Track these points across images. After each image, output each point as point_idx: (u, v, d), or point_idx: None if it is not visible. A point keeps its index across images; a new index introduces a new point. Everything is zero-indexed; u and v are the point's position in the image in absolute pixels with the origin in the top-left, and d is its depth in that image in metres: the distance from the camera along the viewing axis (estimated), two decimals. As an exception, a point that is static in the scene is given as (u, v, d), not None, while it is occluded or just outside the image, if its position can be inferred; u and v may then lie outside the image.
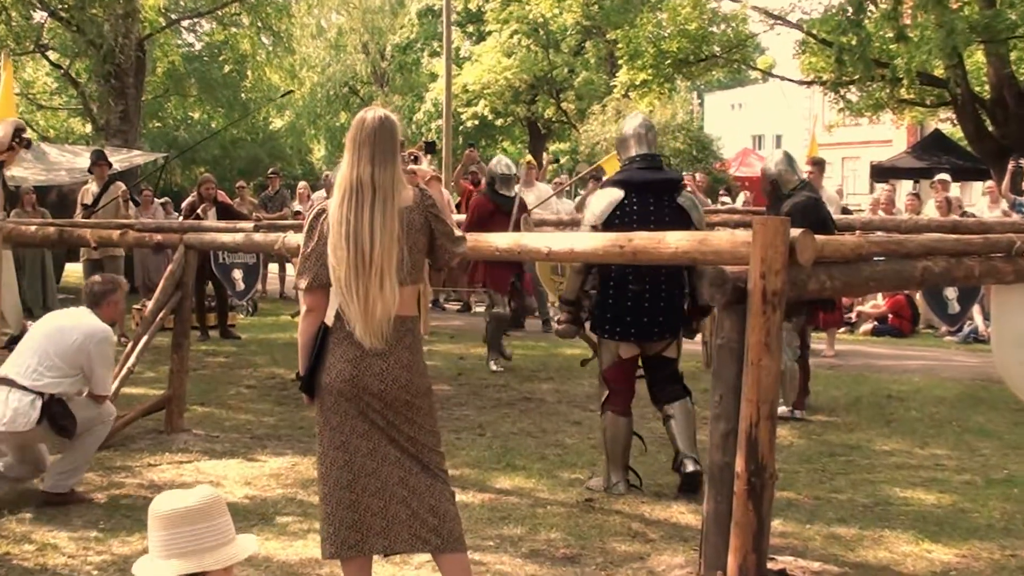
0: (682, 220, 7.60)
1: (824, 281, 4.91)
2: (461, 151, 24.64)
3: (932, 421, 10.32)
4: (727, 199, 21.76)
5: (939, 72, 23.66)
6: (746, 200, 21.37)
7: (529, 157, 18.83)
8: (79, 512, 7.22)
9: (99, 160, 15.57)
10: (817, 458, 8.83)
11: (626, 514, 7.29)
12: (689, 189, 18.94)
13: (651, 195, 7.67)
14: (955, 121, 27.41)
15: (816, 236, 4.73)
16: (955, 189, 32.18)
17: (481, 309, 20.49)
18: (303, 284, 4.95)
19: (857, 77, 24.04)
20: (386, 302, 4.75)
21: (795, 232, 4.60)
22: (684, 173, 23.06)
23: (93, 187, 15.44)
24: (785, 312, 9.60)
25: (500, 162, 13.38)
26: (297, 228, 10.05)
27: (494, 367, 12.97)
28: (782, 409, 9.59)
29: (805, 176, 10.21)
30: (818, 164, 16.04)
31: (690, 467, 7.82)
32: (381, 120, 4.87)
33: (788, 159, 10.28)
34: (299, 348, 4.99)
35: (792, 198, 10.00)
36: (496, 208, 12.83)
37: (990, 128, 24.43)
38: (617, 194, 7.65)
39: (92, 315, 7.60)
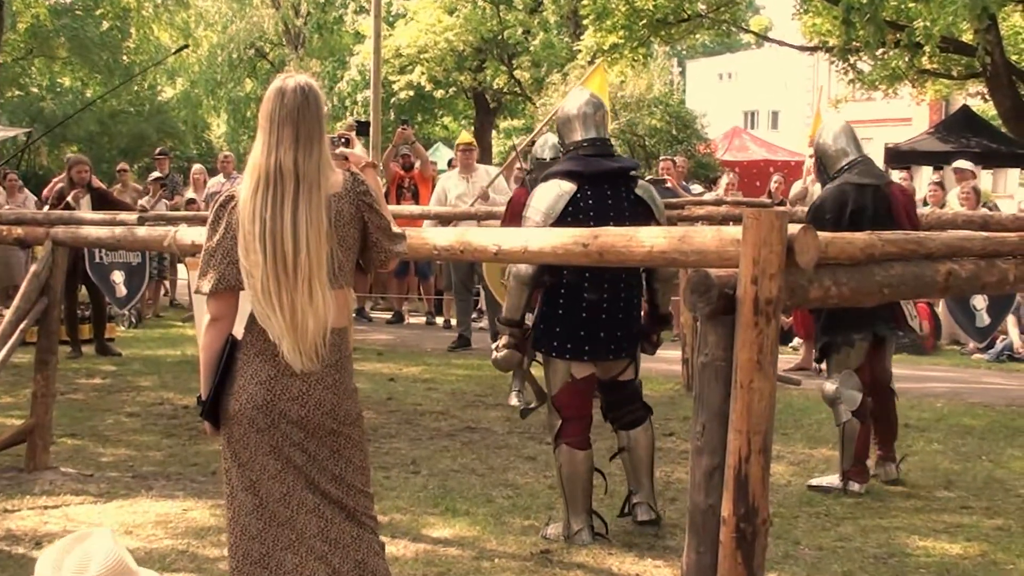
0: (644, 214, 7.67)
1: (829, 287, 4.93)
2: (393, 128, 24.62)
3: (958, 455, 10.39)
4: (697, 187, 21.66)
5: (968, 37, 23.84)
6: (730, 183, 21.24)
7: (467, 136, 18.53)
8: (-80, 568, 7.17)
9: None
10: (819, 500, 8.88)
11: (590, 568, 7.31)
12: (668, 183, 18.95)
13: (607, 186, 7.73)
14: (987, 96, 27.63)
15: (820, 233, 4.75)
16: (986, 177, 32.49)
17: (417, 320, 20.49)
18: (206, 287, 4.89)
19: (868, 42, 24.19)
20: (319, 314, 4.73)
21: (794, 228, 4.62)
22: (662, 157, 23.16)
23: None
24: (840, 333, 9.24)
25: (545, 144, 12.39)
26: (192, 221, 10.01)
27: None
28: (831, 479, 9.29)
29: (858, 154, 9.48)
30: None
31: (643, 516, 7.96)
32: (304, 91, 4.83)
33: (845, 130, 9.64)
34: (201, 366, 4.97)
35: (832, 181, 9.48)
36: None
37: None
38: (567, 187, 7.68)
39: None
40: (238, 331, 4.92)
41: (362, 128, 17.16)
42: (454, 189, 16.60)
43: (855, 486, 9.13)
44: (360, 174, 5.06)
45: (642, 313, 8.05)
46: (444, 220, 14.53)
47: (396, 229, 5.08)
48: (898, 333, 9.46)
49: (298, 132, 4.77)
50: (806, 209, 12.99)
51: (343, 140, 5.48)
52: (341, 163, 5.15)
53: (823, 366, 9.76)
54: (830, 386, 9.20)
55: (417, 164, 19.69)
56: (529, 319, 8.07)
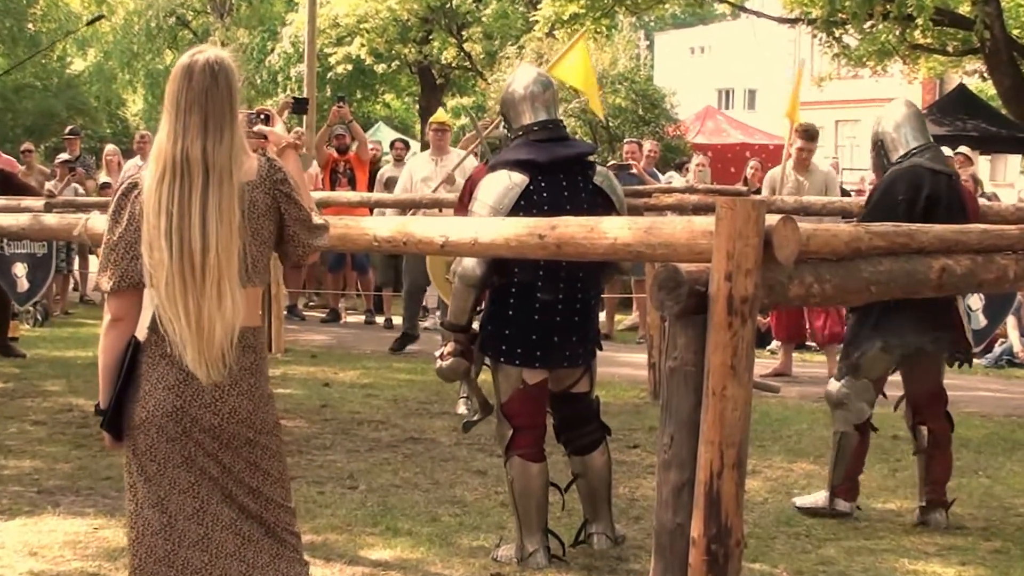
0: (603, 205, 7.64)
1: (811, 284, 4.94)
2: (329, 106, 24.55)
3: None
4: (674, 175, 21.53)
5: (965, 9, 23.96)
6: (700, 164, 21.20)
7: (442, 115, 18.25)
8: None
9: None
10: (799, 519, 8.90)
11: (546, 594, 7.31)
12: (633, 168, 18.89)
13: (562, 176, 7.67)
14: (985, 74, 27.77)
15: (801, 225, 4.75)
16: (984, 164, 32.64)
17: (355, 319, 20.43)
18: (107, 284, 4.86)
19: (855, 14, 24.24)
20: (227, 319, 4.70)
21: (772, 219, 4.62)
22: (627, 139, 23.12)
23: None
24: (863, 338, 9.05)
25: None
26: (106, 208, 9.96)
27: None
28: (817, 497, 9.12)
29: (927, 140, 9.18)
30: (812, 137, 15.85)
31: (600, 546, 7.95)
32: (214, 70, 4.78)
33: (911, 114, 9.33)
34: (100, 371, 4.93)
35: (896, 166, 9.13)
36: None
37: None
38: (518, 179, 7.59)
39: None
40: (142, 332, 4.87)
41: (300, 106, 17.13)
42: (420, 171, 16.47)
43: (843, 505, 8.98)
44: (277, 159, 5.04)
45: (599, 314, 8.02)
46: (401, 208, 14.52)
47: (317, 220, 5.05)
48: (952, 348, 9.21)
49: (207, 118, 4.72)
50: (785, 199, 12.92)
51: (262, 117, 5.44)
52: (258, 142, 5.12)
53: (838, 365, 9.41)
54: (835, 386, 9.00)
55: (354, 146, 19.64)
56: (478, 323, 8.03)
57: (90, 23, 28.73)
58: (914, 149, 9.08)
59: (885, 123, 9.30)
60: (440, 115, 18.16)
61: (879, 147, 9.32)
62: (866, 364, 8.92)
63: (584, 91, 15.93)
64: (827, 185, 15.46)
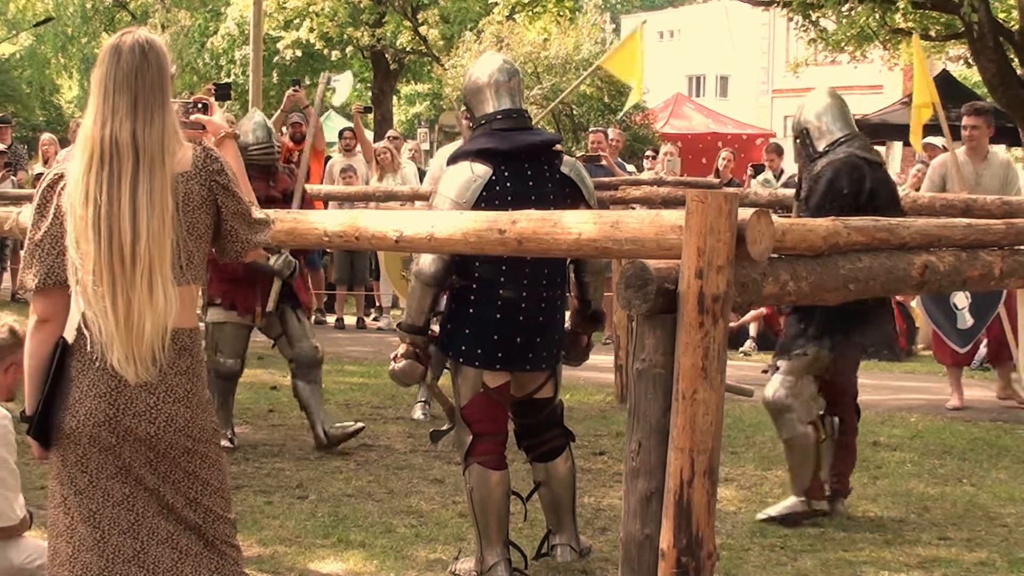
0: (571, 196, 7.65)
1: (786, 282, 4.94)
2: (276, 93, 24.44)
3: (935, 478, 10.46)
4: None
5: (948, -9, 23.98)
6: (668, 152, 21.16)
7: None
8: None
9: None
10: (774, 530, 8.91)
11: (507, 610, 7.32)
12: (603, 160, 18.83)
13: (527, 165, 7.67)
14: (970, 60, 27.84)
15: (776, 220, 4.76)
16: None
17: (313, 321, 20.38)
18: (32, 282, 4.86)
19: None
20: (158, 314, 4.67)
21: (745, 213, 4.62)
22: (592, 128, 23.11)
23: None
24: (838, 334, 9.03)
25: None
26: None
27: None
28: (785, 503, 9.04)
29: (852, 130, 9.25)
30: (979, 112, 14.08)
31: (564, 558, 7.95)
32: (143, 49, 4.79)
33: (834, 103, 9.41)
34: (26, 375, 4.92)
35: (825, 156, 9.18)
36: None
37: (1019, 71, 24.81)
38: (481, 171, 7.58)
39: None
40: (70, 334, 4.85)
41: (222, 92, 17.05)
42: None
43: (820, 504, 8.97)
44: (214, 148, 5.03)
45: (567, 314, 8.01)
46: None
47: (258, 214, 5.05)
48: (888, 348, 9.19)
49: (136, 99, 4.72)
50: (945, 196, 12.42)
51: (199, 105, 5.44)
52: (196, 132, 5.11)
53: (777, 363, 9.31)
54: (773, 390, 8.91)
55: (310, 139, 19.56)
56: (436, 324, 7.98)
57: (37, 25, 28.42)
58: (841, 138, 9.17)
59: (807, 112, 9.40)
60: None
61: (803, 136, 9.38)
62: (809, 364, 8.91)
63: (629, 82, 16.04)
64: (1007, 179, 13.85)
